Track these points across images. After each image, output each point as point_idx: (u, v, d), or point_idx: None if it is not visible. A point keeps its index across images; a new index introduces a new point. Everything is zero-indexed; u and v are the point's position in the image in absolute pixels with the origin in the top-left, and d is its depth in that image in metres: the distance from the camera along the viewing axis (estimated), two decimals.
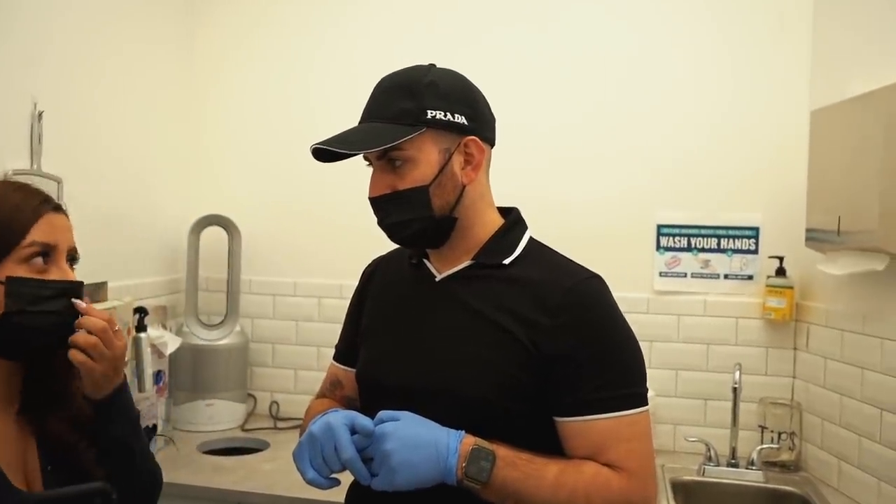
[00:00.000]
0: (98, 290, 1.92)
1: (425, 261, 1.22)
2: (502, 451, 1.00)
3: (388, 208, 1.12)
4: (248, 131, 2.63)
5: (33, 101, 1.79)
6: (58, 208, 1.06)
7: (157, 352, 2.16)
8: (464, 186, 1.13)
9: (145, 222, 2.39)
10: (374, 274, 1.33)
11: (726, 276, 2.31)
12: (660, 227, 2.35)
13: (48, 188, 1.82)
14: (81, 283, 1.05)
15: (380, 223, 1.15)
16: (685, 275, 2.34)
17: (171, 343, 2.23)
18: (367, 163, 1.16)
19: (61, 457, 1.06)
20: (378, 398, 1.14)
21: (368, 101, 1.15)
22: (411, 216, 1.10)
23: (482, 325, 1.10)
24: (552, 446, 1.09)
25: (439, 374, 1.10)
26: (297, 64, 2.59)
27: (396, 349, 1.17)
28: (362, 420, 0.99)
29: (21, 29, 1.77)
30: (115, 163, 2.18)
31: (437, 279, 1.18)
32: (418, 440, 0.98)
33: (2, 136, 1.72)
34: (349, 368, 1.29)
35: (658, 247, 2.35)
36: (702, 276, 2.33)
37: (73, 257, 1.07)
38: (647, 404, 1.09)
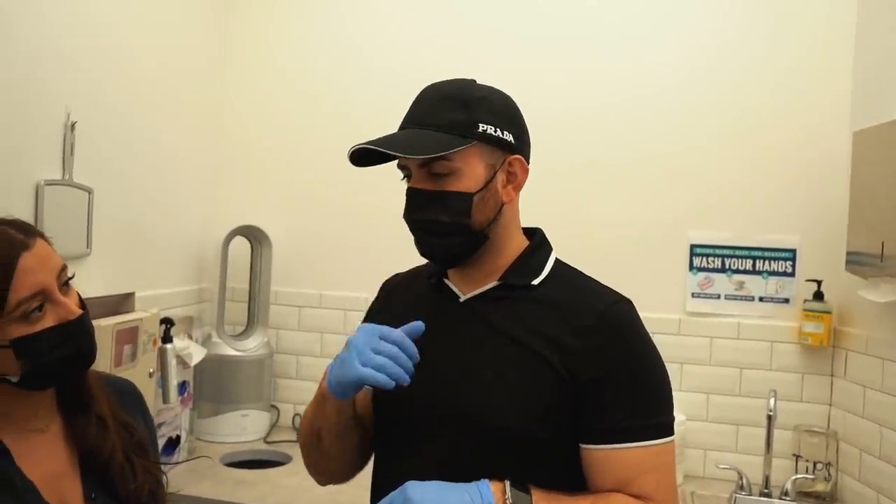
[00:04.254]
0: (125, 301, 1.92)
1: (445, 280, 1.17)
2: (535, 493, 0.97)
3: (424, 204, 1.07)
4: (276, 143, 2.63)
5: (66, 111, 1.80)
6: (29, 238, 0.97)
7: (182, 362, 2.16)
8: (503, 205, 1.10)
9: (172, 232, 2.39)
10: (394, 290, 1.29)
11: (761, 299, 2.25)
12: (693, 246, 2.29)
13: (79, 199, 1.86)
14: (83, 314, 1.02)
15: (409, 218, 1.09)
16: (718, 296, 2.28)
17: (197, 354, 2.23)
18: (404, 174, 1.11)
19: (105, 482, 1.06)
20: (400, 424, 1.11)
21: (413, 108, 1.11)
22: (447, 219, 1.06)
23: (512, 349, 1.07)
24: (580, 477, 1.06)
25: (469, 401, 1.06)
26: (329, 75, 2.58)
27: (421, 374, 1.14)
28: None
29: (54, 40, 1.78)
30: (145, 173, 2.19)
31: (461, 300, 1.15)
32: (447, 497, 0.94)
33: (35, 147, 1.73)
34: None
35: (691, 267, 2.29)
36: (736, 297, 2.27)
37: (65, 280, 1.02)
38: (673, 434, 1.06)
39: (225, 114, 2.64)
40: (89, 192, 1.89)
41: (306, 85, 2.61)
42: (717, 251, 2.28)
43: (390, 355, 0.98)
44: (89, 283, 1.84)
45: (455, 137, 1.04)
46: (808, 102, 2.21)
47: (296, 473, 2.14)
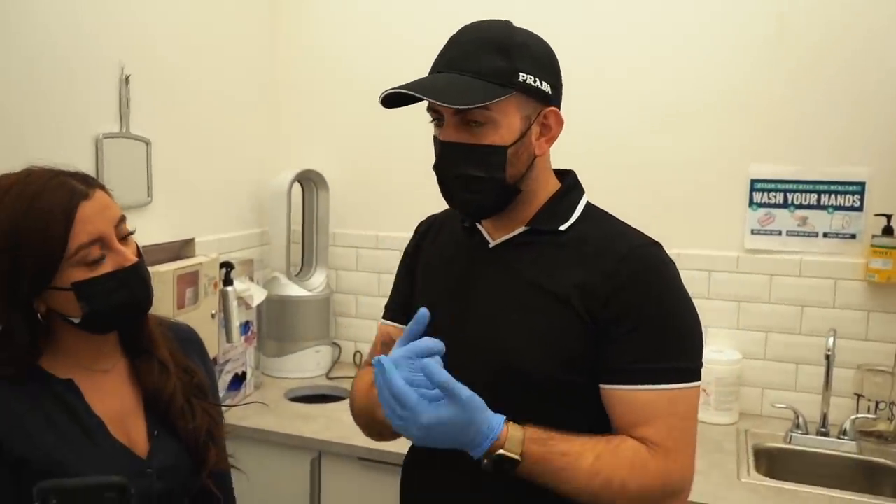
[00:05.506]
0: (186, 247, 2.01)
1: (478, 225, 1.18)
2: (532, 449, 0.97)
3: (458, 158, 1.05)
4: (330, 84, 2.64)
5: (120, 65, 1.86)
6: (89, 188, 1.03)
7: (244, 304, 2.26)
8: (535, 157, 1.09)
9: (230, 179, 2.46)
10: (428, 233, 1.29)
11: (826, 235, 2.16)
12: (753, 181, 2.20)
13: (138, 150, 1.93)
14: (139, 261, 1.07)
15: (440, 172, 1.08)
16: (780, 232, 2.19)
17: (258, 295, 2.32)
18: (433, 118, 1.09)
19: (166, 422, 1.14)
20: None
21: (449, 49, 1.07)
22: (482, 174, 1.04)
23: (537, 295, 1.07)
24: (607, 421, 1.06)
25: (495, 347, 1.08)
26: (386, 13, 2.55)
27: (449, 318, 1.14)
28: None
29: None
30: (200, 123, 2.25)
31: (490, 245, 1.15)
32: (451, 431, 0.94)
33: (92, 102, 1.80)
34: (404, 326, 1.28)
35: (751, 203, 2.21)
36: (798, 234, 2.18)
37: (124, 231, 1.07)
38: (696, 380, 1.05)
39: (278, 58, 2.66)
40: (147, 143, 1.96)
41: (360, 24, 2.59)
42: (780, 186, 2.18)
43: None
44: (151, 230, 1.93)
45: (495, 86, 1.01)
46: (879, 25, 2.05)
47: None
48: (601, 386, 1.05)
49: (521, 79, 1.03)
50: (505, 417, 0.98)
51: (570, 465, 0.98)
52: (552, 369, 1.05)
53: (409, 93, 1.01)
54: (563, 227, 1.11)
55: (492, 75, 1.02)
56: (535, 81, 1.04)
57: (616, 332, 1.03)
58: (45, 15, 1.64)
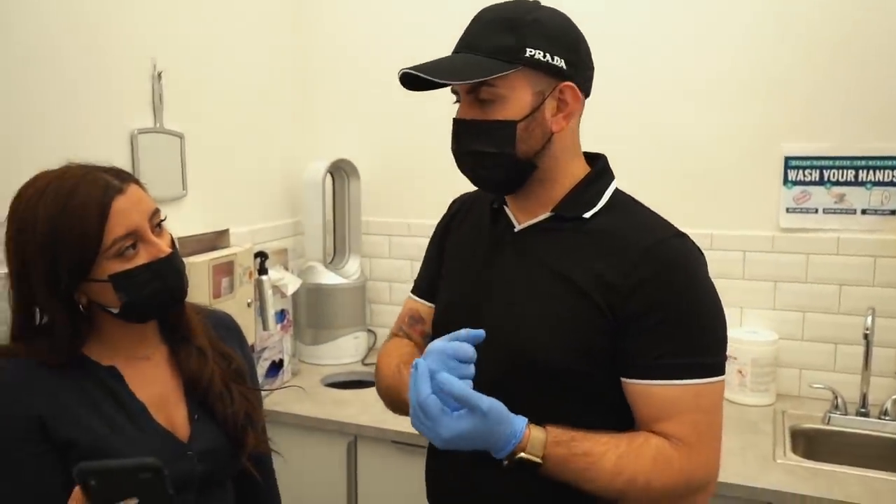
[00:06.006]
0: (221, 237, 2.05)
1: (505, 208, 1.18)
2: (555, 451, 0.97)
3: (469, 135, 1.07)
4: (357, 72, 2.65)
5: (153, 62, 1.90)
6: (123, 183, 1.06)
7: (280, 292, 2.30)
8: (552, 134, 1.07)
9: (262, 169, 2.50)
10: (458, 213, 1.30)
11: (864, 212, 2.11)
12: (787, 159, 2.16)
13: (172, 144, 1.98)
14: (173, 252, 1.11)
15: (455, 150, 1.10)
16: (816, 210, 2.15)
17: (292, 284, 2.36)
18: (455, 98, 1.11)
19: (206, 406, 1.18)
20: None
21: (466, 31, 1.09)
22: (492, 149, 1.05)
23: (557, 283, 1.07)
24: (629, 413, 1.06)
25: (511, 335, 1.08)
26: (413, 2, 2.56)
27: (470, 301, 1.16)
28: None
29: None
30: (232, 116, 2.29)
31: (515, 230, 1.15)
32: (472, 442, 0.95)
33: (126, 97, 1.84)
34: (431, 304, 1.28)
35: (786, 181, 2.17)
36: (835, 211, 2.14)
37: (157, 222, 1.10)
38: (720, 375, 1.03)
39: (305, 48, 2.68)
40: (181, 137, 2.01)
41: (385, 10, 2.59)
42: (815, 163, 2.14)
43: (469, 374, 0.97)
44: (187, 222, 1.98)
45: (499, 62, 1.02)
46: None
47: None
48: (623, 380, 1.05)
49: (528, 54, 1.02)
50: (527, 420, 0.98)
51: (593, 466, 0.97)
52: (568, 360, 1.04)
53: (414, 72, 1.02)
54: (587, 215, 1.10)
55: (497, 52, 1.03)
56: (544, 56, 1.03)
57: (638, 327, 1.02)
58: (78, 12, 1.68)
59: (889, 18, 2.02)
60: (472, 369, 0.97)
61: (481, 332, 0.97)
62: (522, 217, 1.15)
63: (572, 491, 1.00)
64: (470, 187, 1.20)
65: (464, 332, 0.98)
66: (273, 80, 2.53)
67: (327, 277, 2.54)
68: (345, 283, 2.56)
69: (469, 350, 0.97)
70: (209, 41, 2.16)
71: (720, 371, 1.03)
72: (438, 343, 0.98)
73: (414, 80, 1.05)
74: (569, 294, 1.05)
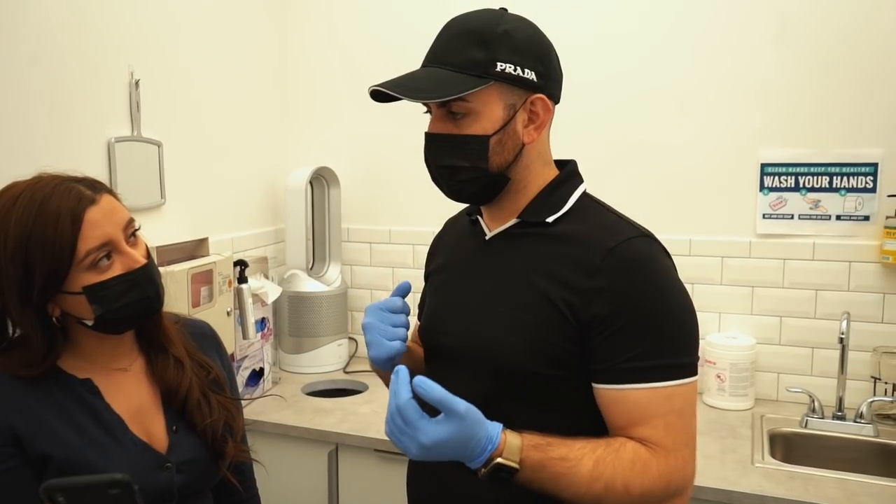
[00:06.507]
0: (200, 246, 2.04)
1: (479, 218, 1.20)
2: (531, 455, 0.96)
3: (442, 150, 1.08)
4: (339, 81, 2.66)
5: (130, 70, 1.89)
6: (96, 193, 1.05)
7: (260, 301, 2.28)
8: (523, 146, 1.08)
9: (242, 178, 2.49)
10: (446, 229, 1.34)
11: (839, 217, 2.14)
12: (764, 165, 2.19)
13: (150, 153, 1.96)
14: (148, 262, 1.10)
15: (428, 163, 1.10)
16: (792, 216, 2.18)
17: (272, 292, 2.35)
18: (425, 109, 1.11)
19: (184, 417, 1.17)
20: (433, 357, 1.17)
21: (435, 43, 1.09)
22: (466, 164, 1.06)
23: (523, 288, 1.07)
24: (601, 418, 1.06)
25: (483, 339, 1.09)
26: (394, 12, 2.56)
27: (448, 309, 1.18)
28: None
29: (115, 4, 1.84)
30: (210, 122, 2.27)
31: (486, 237, 1.16)
32: (451, 448, 0.94)
33: (103, 106, 1.83)
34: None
35: (762, 187, 2.20)
36: (811, 217, 2.17)
37: (132, 232, 1.09)
38: (692, 376, 1.03)
39: (286, 57, 2.68)
40: (158, 145, 1.99)
41: (369, 22, 2.60)
42: (791, 169, 2.17)
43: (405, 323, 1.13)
44: (165, 231, 1.96)
45: (470, 78, 1.02)
46: (889, 8, 2.03)
47: (371, 401, 2.26)
48: (594, 386, 1.04)
49: (499, 68, 1.02)
50: (502, 425, 0.97)
51: (570, 470, 0.96)
52: (534, 365, 1.04)
53: (383, 90, 1.03)
54: (550, 220, 1.10)
55: (468, 66, 1.03)
56: (515, 70, 1.03)
57: (605, 330, 1.01)
58: (54, 21, 1.66)
59: (866, 27, 2.06)
60: (403, 318, 1.13)
61: (407, 284, 1.16)
62: (493, 225, 1.16)
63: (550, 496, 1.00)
64: (447, 199, 1.21)
65: (397, 287, 1.16)
66: (253, 88, 2.52)
67: (309, 285, 2.54)
68: (327, 290, 2.56)
69: (397, 301, 1.13)
70: (187, 49, 2.14)
71: (692, 372, 1.03)
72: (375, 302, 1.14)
73: (384, 93, 1.05)
74: (534, 300, 1.05)
